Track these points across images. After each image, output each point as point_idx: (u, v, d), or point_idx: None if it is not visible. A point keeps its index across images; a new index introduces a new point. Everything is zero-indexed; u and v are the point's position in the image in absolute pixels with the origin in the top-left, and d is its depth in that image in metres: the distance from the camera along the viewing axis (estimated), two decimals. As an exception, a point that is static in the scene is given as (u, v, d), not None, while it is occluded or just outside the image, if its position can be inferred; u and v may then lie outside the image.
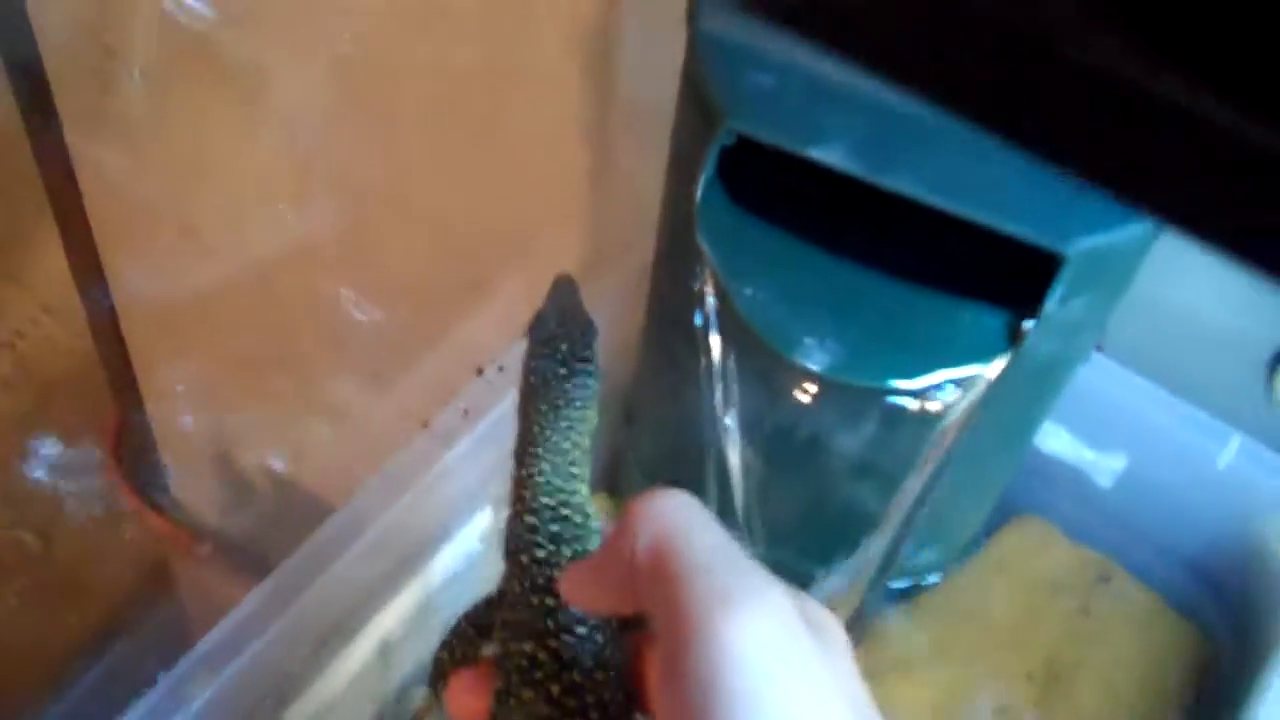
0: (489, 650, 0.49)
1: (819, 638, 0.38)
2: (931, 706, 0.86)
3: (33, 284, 0.65)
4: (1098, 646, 0.88)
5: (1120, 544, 0.93)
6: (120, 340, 0.70)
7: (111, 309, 0.69)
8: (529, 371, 0.52)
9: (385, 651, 0.83)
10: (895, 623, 0.90)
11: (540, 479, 0.49)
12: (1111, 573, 0.92)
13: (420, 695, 0.88)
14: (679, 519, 0.40)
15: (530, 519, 0.48)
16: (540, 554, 0.47)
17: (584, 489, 0.50)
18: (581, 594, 0.44)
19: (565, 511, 0.48)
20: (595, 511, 0.50)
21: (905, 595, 0.91)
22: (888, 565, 0.79)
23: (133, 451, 0.75)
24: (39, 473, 0.71)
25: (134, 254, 0.66)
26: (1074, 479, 0.93)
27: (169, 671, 0.69)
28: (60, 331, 0.67)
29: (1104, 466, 0.92)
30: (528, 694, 0.45)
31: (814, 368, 0.66)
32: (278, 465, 0.82)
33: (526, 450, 0.50)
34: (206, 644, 0.71)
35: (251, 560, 0.77)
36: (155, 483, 0.77)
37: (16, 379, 0.66)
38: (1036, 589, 0.91)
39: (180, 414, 0.75)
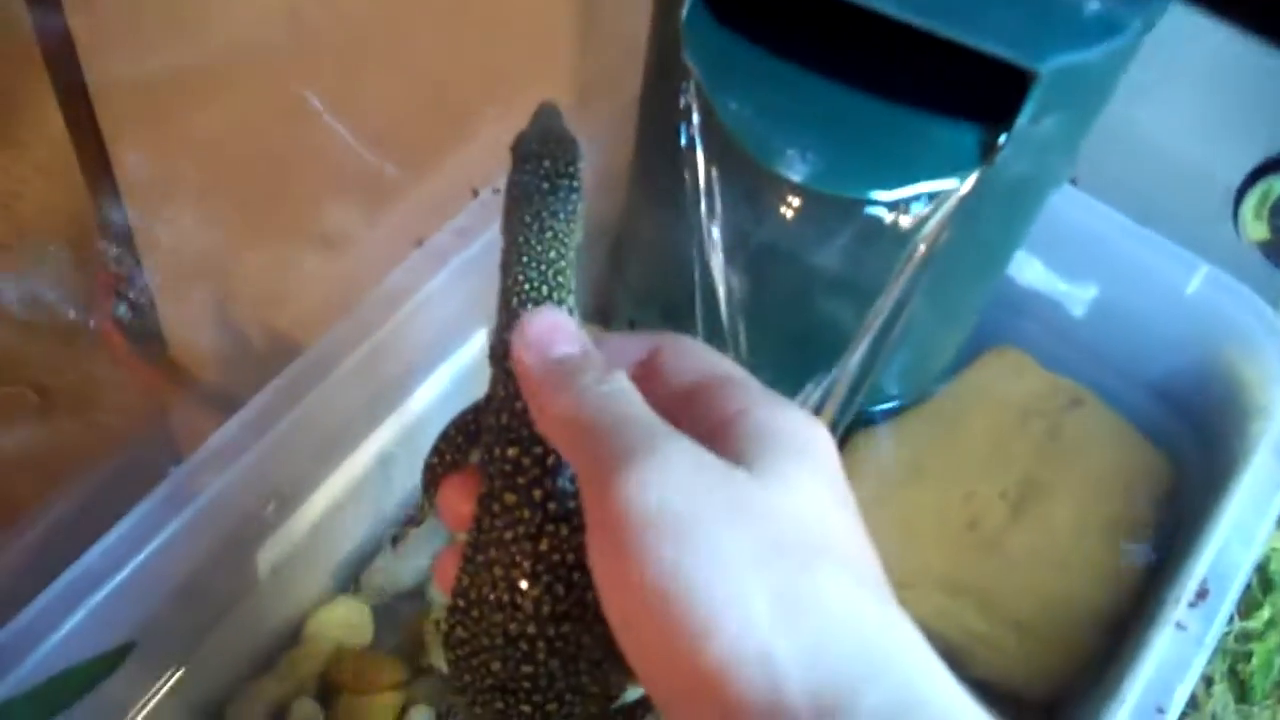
0: (476, 456, 0.50)
1: (752, 464, 0.40)
2: (903, 523, 0.89)
3: (27, 143, 0.66)
4: (1068, 468, 0.92)
5: (1091, 371, 0.96)
6: (117, 193, 0.71)
7: (107, 163, 0.69)
8: (512, 186, 0.53)
9: (384, 464, 0.86)
10: (871, 443, 0.93)
11: (525, 286, 0.49)
12: (1083, 398, 0.95)
13: (416, 505, 0.91)
14: (597, 387, 0.43)
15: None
16: None
17: (570, 300, 0.50)
18: (528, 401, 0.46)
19: None
20: (581, 324, 0.50)
21: (882, 418, 0.94)
22: (863, 382, 0.82)
23: (128, 305, 0.76)
24: (35, 330, 0.72)
25: (128, 111, 0.67)
26: (1047, 309, 0.96)
27: (177, 468, 0.72)
28: (56, 193, 0.68)
29: (1076, 296, 0.95)
30: (510, 498, 0.47)
31: (795, 178, 0.69)
32: (272, 303, 0.84)
33: (511, 260, 0.51)
34: (212, 444, 0.73)
35: (247, 400, 0.79)
36: (151, 334, 0.79)
37: (10, 239, 0.67)
38: (1010, 414, 0.94)
39: (175, 260, 0.76)
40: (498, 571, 0.47)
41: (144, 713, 0.76)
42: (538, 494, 0.47)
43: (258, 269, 0.81)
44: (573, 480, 0.47)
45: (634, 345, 0.48)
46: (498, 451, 0.48)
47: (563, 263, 0.50)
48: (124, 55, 0.66)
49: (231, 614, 0.81)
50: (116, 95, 0.66)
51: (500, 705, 0.49)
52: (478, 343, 0.88)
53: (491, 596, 0.47)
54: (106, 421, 0.79)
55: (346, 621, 0.86)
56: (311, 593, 0.87)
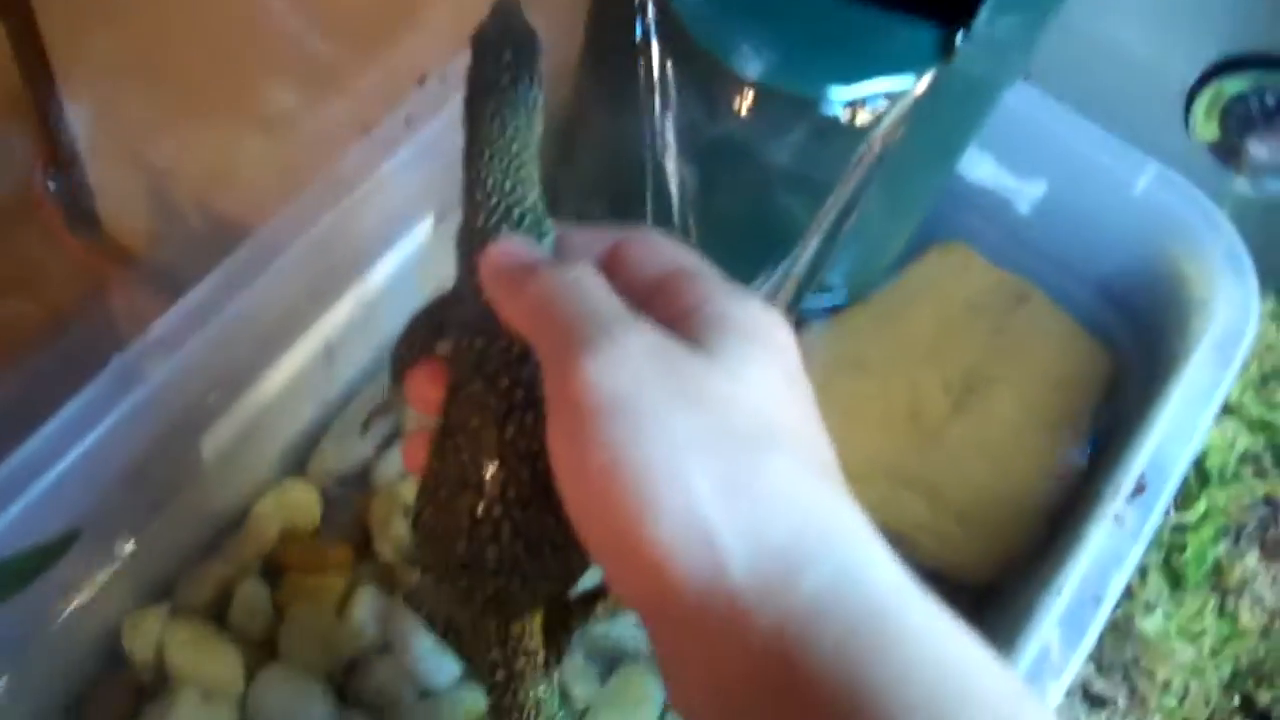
0: (444, 346, 0.52)
1: (708, 351, 0.42)
2: (847, 414, 0.90)
3: None
4: (1012, 362, 0.92)
5: (1038, 268, 0.97)
6: (49, 69, 0.69)
7: (39, 38, 0.67)
8: (472, 80, 0.53)
9: (329, 352, 0.86)
10: (817, 336, 0.93)
11: (489, 179, 0.51)
12: (1028, 294, 0.96)
13: (365, 396, 0.91)
14: (560, 276, 0.44)
15: (482, 218, 0.50)
16: None
17: (533, 193, 0.51)
18: (491, 293, 0.47)
19: (516, 211, 0.50)
20: (546, 216, 0.51)
21: (828, 313, 0.94)
22: (812, 277, 0.82)
23: (62, 182, 0.75)
24: None
25: None
26: (996, 206, 0.96)
27: (121, 354, 0.71)
28: None
29: (1025, 193, 0.95)
30: (477, 386, 0.48)
31: (751, 75, 0.68)
32: (213, 186, 0.82)
33: (474, 153, 0.52)
34: (154, 332, 0.72)
35: (186, 281, 0.77)
36: (88, 213, 0.77)
37: None
38: (955, 308, 0.95)
39: (111, 137, 0.74)
40: (465, 456, 0.48)
41: (91, 594, 0.77)
42: (504, 382, 0.48)
43: (198, 148, 0.80)
44: (539, 367, 0.47)
45: (599, 238, 0.49)
46: (465, 341, 0.49)
47: (525, 155, 0.52)
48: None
49: (178, 498, 0.80)
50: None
51: (465, 584, 0.50)
52: (424, 230, 0.87)
53: (459, 479, 0.48)
54: (44, 304, 0.78)
55: (293, 504, 0.86)
56: (258, 477, 0.86)
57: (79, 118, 0.71)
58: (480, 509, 0.48)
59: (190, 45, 0.74)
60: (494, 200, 0.50)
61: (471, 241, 0.50)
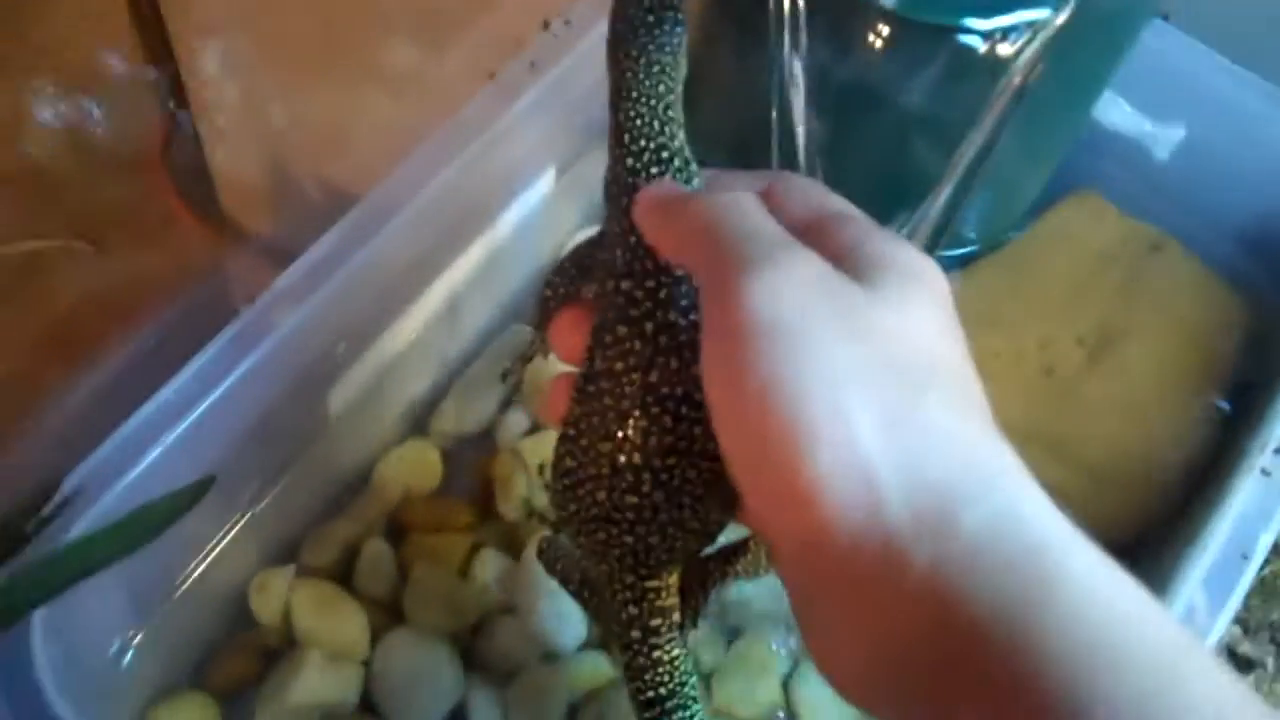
0: (590, 290, 0.52)
1: (870, 286, 0.41)
2: (980, 366, 0.87)
3: None
4: (1147, 314, 0.90)
5: (1174, 217, 0.94)
6: (166, 42, 0.69)
7: (155, 5, 0.67)
8: (616, 19, 0.53)
9: (454, 306, 0.85)
10: (949, 287, 0.91)
11: (638, 122, 0.50)
12: (1163, 243, 0.93)
13: (489, 354, 0.90)
14: (721, 199, 0.44)
15: (630, 161, 0.50)
16: None
17: (680, 134, 0.51)
18: (648, 222, 0.47)
19: (665, 154, 0.50)
20: (692, 157, 0.51)
21: (960, 262, 0.92)
22: (945, 225, 0.80)
23: (181, 157, 0.75)
24: (87, 180, 0.71)
25: None
26: (1132, 152, 0.93)
27: (249, 306, 0.71)
28: (105, 38, 0.66)
29: (1162, 138, 0.92)
30: (622, 330, 0.48)
31: (887, 4, 0.66)
32: (331, 147, 0.82)
33: (620, 97, 0.51)
34: (280, 285, 0.72)
35: (309, 245, 0.77)
36: (204, 183, 0.78)
37: (60, 87, 0.66)
38: (1088, 259, 0.92)
39: (227, 107, 0.74)
40: (608, 401, 0.48)
41: (220, 548, 0.77)
42: (649, 327, 0.48)
43: (317, 112, 0.80)
44: (685, 313, 0.48)
45: (749, 180, 0.48)
46: (611, 285, 0.49)
47: (671, 96, 0.51)
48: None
49: (304, 455, 0.81)
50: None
51: (603, 535, 0.49)
52: (546, 182, 0.87)
53: (600, 426, 0.48)
54: (161, 273, 0.78)
55: (415, 463, 0.85)
56: (381, 436, 0.86)
57: (193, 83, 0.71)
58: (621, 458, 0.48)
59: (304, 4, 0.74)
60: (643, 143, 0.50)
61: (621, 184, 0.50)
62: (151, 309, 0.78)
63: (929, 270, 0.43)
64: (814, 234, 0.44)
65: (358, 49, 0.79)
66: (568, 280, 0.53)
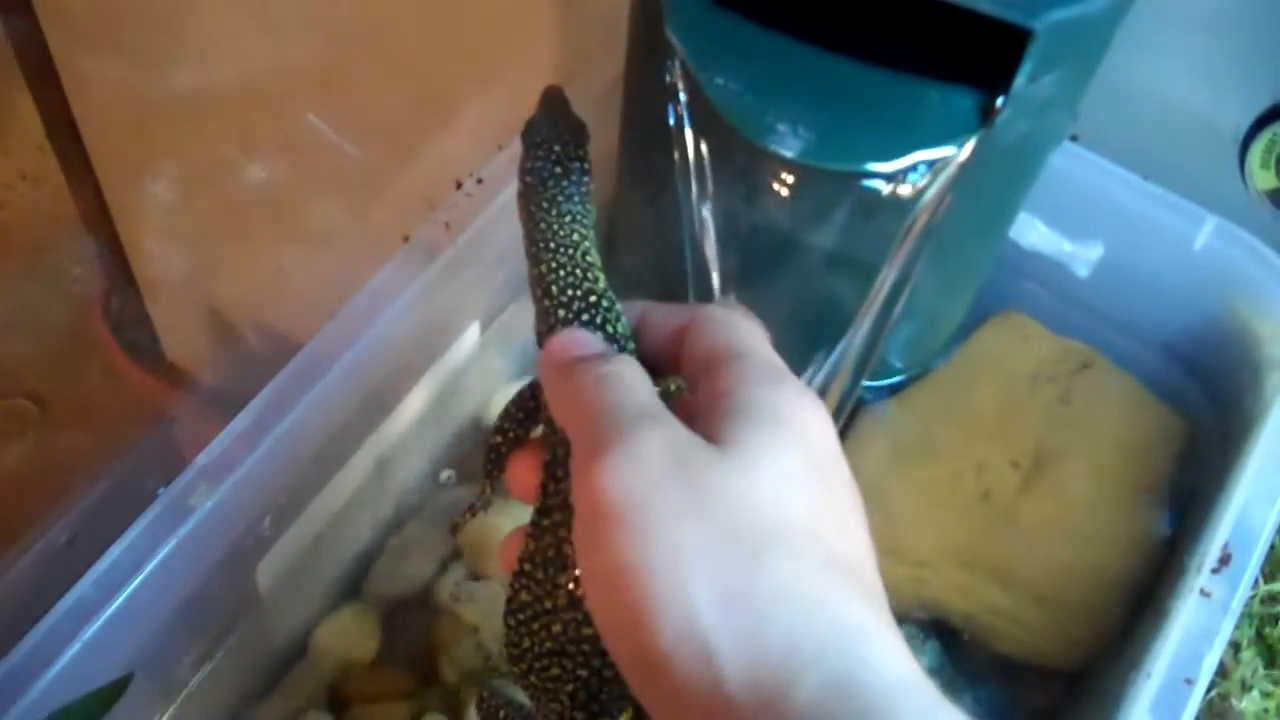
0: (537, 431, 0.52)
1: (727, 442, 0.42)
2: (916, 498, 0.87)
3: (11, 151, 0.65)
4: (1081, 433, 0.90)
5: (1100, 333, 0.94)
6: (101, 200, 0.70)
7: (89, 168, 0.68)
8: (525, 173, 0.54)
9: (382, 467, 0.84)
10: (880, 417, 0.91)
11: (560, 272, 0.51)
12: (1092, 360, 0.93)
13: (424, 514, 0.89)
14: (594, 370, 0.45)
15: (561, 312, 0.50)
16: None
17: (602, 277, 0.52)
18: (543, 377, 0.48)
19: (593, 298, 0.51)
20: (615, 299, 0.51)
21: (890, 391, 0.92)
22: (868, 358, 0.80)
23: (120, 311, 0.75)
24: (31, 341, 0.71)
25: (106, 106, 0.65)
26: (1053, 271, 0.94)
27: (168, 487, 0.70)
28: (43, 201, 0.67)
29: (1081, 256, 0.93)
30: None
31: (787, 154, 0.67)
32: (264, 305, 0.82)
33: (538, 248, 0.52)
34: (201, 460, 0.71)
35: (245, 401, 0.77)
36: (144, 339, 0.77)
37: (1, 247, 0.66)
38: (1019, 380, 0.92)
39: (164, 265, 0.75)
40: (564, 533, 0.48)
41: (152, 739, 0.75)
42: None
43: (249, 269, 0.80)
44: None
45: (676, 315, 0.50)
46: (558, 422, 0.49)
47: (586, 243, 0.53)
48: (102, 65, 0.64)
49: (234, 633, 0.79)
50: (97, 103, 0.65)
51: (556, 671, 0.49)
52: (473, 335, 0.86)
53: (556, 559, 0.48)
54: (107, 429, 0.78)
55: (352, 631, 0.84)
56: (315, 604, 0.85)
57: (131, 245, 0.71)
58: (576, 589, 0.48)
59: (238, 169, 0.75)
60: (570, 291, 0.51)
61: (553, 331, 0.50)
62: (85, 483, 0.77)
63: (803, 413, 0.43)
64: (704, 375, 0.45)
65: (285, 209, 0.80)
66: (516, 425, 0.53)
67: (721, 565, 0.39)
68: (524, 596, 0.49)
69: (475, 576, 0.87)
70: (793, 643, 0.38)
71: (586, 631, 0.48)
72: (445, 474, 0.91)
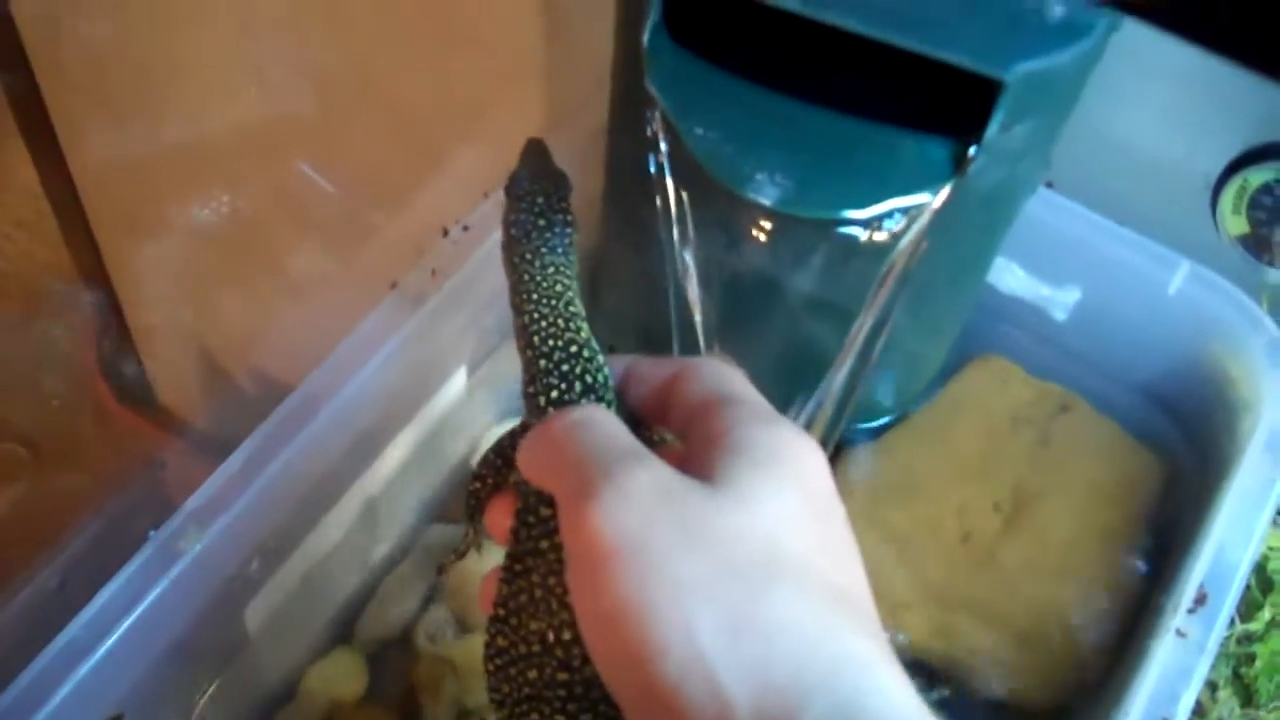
0: (515, 477, 0.52)
1: (720, 480, 0.42)
2: (897, 540, 0.88)
3: (4, 200, 0.65)
4: (1060, 475, 0.91)
5: (1078, 376, 0.95)
6: (95, 247, 0.71)
7: (83, 216, 0.69)
8: (509, 226, 0.55)
9: (370, 510, 0.85)
10: (862, 460, 0.92)
11: (543, 323, 0.52)
12: (1071, 403, 0.94)
13: (413, 556, 0.90)
14: (566, 418, 0.45)
15: (543, 362, 0.51)
16: (554, 394, 0.51)
17: (584, 327, 0.52)
18: (519, 460, 0.48)
19: (574, 348, 0.51)
20: (600, 348, 0.52)
21: (872, 434, 0.93)
22: (848, 400, 0.81)
23: (112, 355, 0.76)
24: (23, 385, 0.71)
25: (101, 156, 0.67)
26: (1030, 315, 0.95)
27: (158, 530, 0.71)
28: (36, 245, 0.68)
29: (1058, 301, 0.94)
30: (545, 510, 0.48)
31: (765, 202, 0.68)
32: (253, 351, 0.83)
33: (522, 299, 0.53)
34: (189, 505, 0.72)
35: (236, 445, 0.78)
36: (136, 383, 0.78)
37: None
38: (998, 423, 0.93)
39: (156, 310, 0.75)
40: (535, 579, 0.48)
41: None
42: None
43: (238, 315, 0.81)
44: None
45: (663, 368, 0.50)
46: None
47: (570, 294, 0.53)
48: (97, 116, 0.65)
49: (224, 675, 0.80)
50: (92, 153, 0.66)
51: (535, 717, 0.49)
52: (460, 380, 0.88)
53: (529, 605, 0.48)
54: (98, 472, 0.78)
55: (339, 675, 0.84)
56: (304, 645, 0.85)
57: (123, 290, 0.72)
58: (551, 635, 0.48)
59: (229, 217, 0.76)
60: (551, 342, 0.51)
61: (537, 383, 0.51)
62: (80, 523, 0.78)
63: (799, 453, 0.44)
64: (696, 421, 0.45)
65: (274, 255, 0.81)
66: (494, 470, 0.54)
67: (725, 597, 0.39)
68: (500, 642, 0.50)
69: (460, 619, 0.88)
70: (799, 673, 0.39)
71: (561, 676, 0.48)
72: (436, 525, 0.92)
